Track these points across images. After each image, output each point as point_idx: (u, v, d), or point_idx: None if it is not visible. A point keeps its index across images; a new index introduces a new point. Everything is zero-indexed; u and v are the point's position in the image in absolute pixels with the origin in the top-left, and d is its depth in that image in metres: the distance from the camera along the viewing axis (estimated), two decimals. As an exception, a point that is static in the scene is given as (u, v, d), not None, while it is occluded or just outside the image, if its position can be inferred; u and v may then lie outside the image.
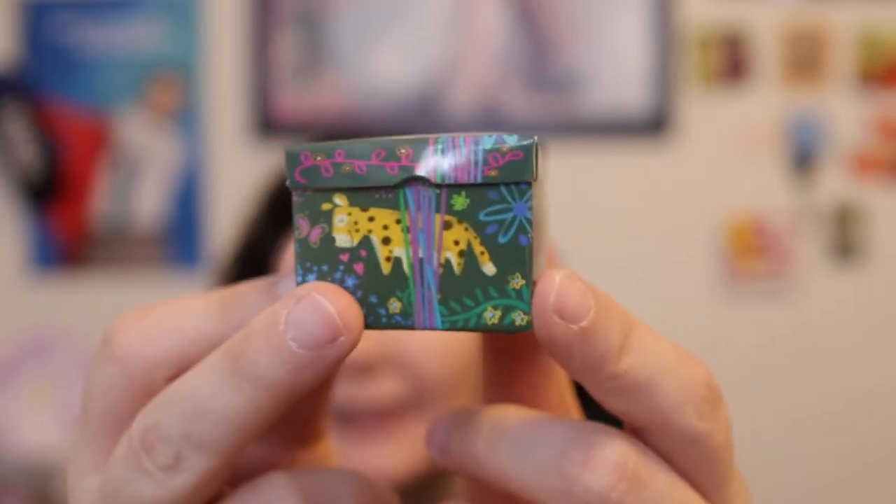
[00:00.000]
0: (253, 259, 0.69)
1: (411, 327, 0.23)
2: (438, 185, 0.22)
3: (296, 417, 0.27)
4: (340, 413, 0.58)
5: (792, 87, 1.65)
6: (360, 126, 1.61)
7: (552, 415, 0.24)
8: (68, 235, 1.66)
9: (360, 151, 0.22)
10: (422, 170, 0.22)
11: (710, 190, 1.65)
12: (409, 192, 0.22)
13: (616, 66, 1.63)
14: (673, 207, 1.65)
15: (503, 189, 0.22)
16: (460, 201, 0.22)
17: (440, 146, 0.22)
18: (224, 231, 1.58)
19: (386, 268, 0.22)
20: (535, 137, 0.22)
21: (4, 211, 1.67)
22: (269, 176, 0.74)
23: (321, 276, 0.23)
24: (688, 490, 0.23)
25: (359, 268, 0.22)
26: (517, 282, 0.22)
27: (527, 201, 0.22)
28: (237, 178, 1.61)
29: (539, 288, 0.21)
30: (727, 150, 1.65)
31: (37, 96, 1.65)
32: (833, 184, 1.65)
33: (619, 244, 1.65)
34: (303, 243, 0.23)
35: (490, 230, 0.22)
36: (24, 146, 1.62)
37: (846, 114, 1.65)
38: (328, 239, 0.23)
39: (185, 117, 1.65)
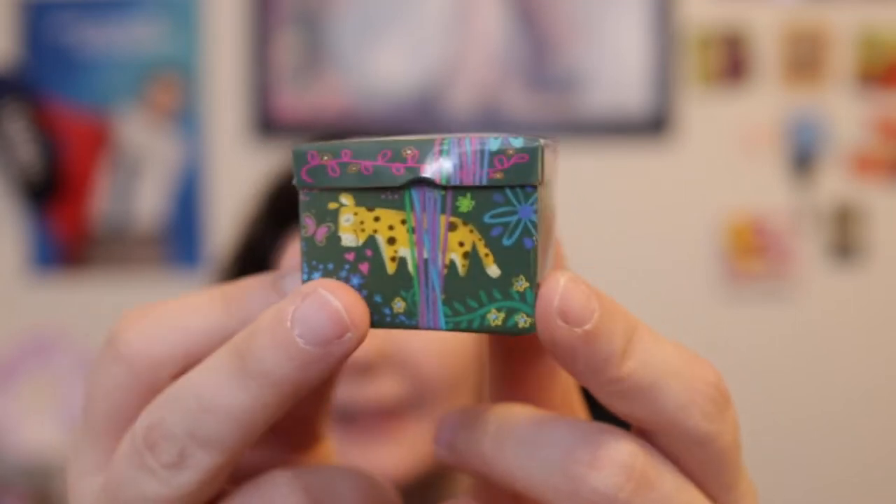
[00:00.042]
0: (253, 259, 0.69)
1: (415, 327, 0.23)
2: (444, 187, 0.22)
3: (297, 421, 0.27)
4: (341, 413, 0.58)
5: (792, 87, 1.65)
6: (360, 126, 1.61)
7: (559, 414, 0.24)
8: (68, 235, 1.66)
9: (366, 152, 0.22)
10: (427, 171, 0.22)
11: (710, 190, 1.65)
12: (415, 193, 0.22)
13: (616, 66, 1.63)
14: (673, 207, 1.65)
15: (508, 192, 0.22)
16: (466, 203, 0.22)
17: (446, 147, 0.22)
18: (224, 231, 1.58)
19: (391, 268, 0.22)
20: (542, 140, 0.22)
21: (4, 211, 1.67)
22: (269, 176, 0.74)
23: (326, 275, 0.23)
24: (696, 492, 0.23)
25: (364, 267, 0.23)
26: (521, 284, 0.22)
27: (532, 204, 0.22)
28: (237, 178, 1.61)
29: (543, 291, 0.21)
30: (727, 150, 1.65)
31: (37, 96, 1.65)
32: (833, 184, 1.65)
33: (619, 244, 1.65)
34: (309, 242, 0.23)
35: (495, 232, 0.22)
36: (24, 146, 1.62)
37: (846, 114, 1.65)
38: (334, 238, 0.23)
39: (185, 117, 1.65)
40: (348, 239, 0.22)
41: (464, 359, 0.61)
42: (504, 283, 0.22)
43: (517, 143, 0.21)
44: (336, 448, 0.61)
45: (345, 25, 1.64)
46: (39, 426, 1.57)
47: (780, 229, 1.65)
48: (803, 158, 1.65)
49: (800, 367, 1.65)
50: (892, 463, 1.65)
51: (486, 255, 0.22)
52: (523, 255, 0.22)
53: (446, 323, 0.22)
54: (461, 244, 0.22)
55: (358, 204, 0.22)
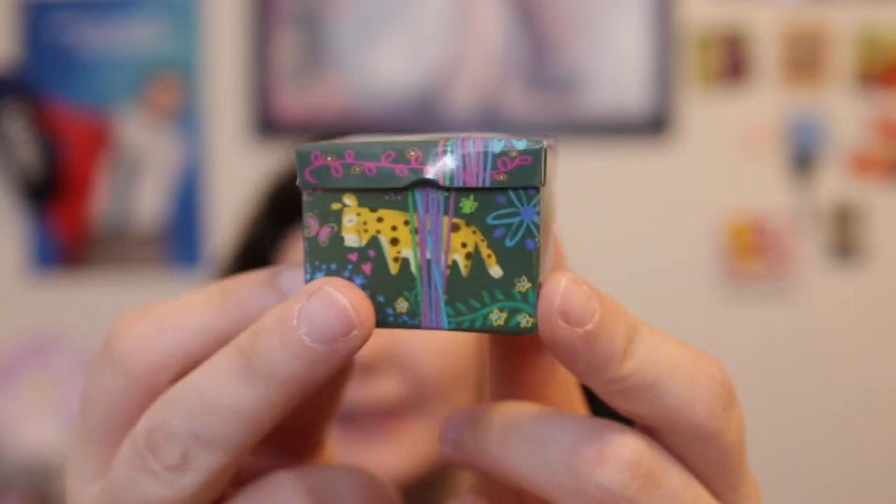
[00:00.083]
0: (253, 259, 0.69)
1: (418, 327, 0.23)
2: (447, 188, 0.22)
3: (302, 428, 0.27)
4: (341, 413, 0.58)
5: (792, 87, 1.65)
6: (360, 126, 1.61)
7: (565, 411, 0.24)
8: (68, 235, 1.66)
9: (369, 153, 0.22)
10: (431, 172, 0.22)
11: (710, 190, 1.65)
12: (418, 194, 0.22)
13: (616, 66, 1.63)
14: (673, 207, 1.65)
15: (511, 193, 0.22)
16: (468, 204, 0.22)
17: (449, 149, 0.22)
18: (224, 231, 1.58)
19: (394, 268, 0.22)
20: (545, 142, 0.22)
21: (4, 211, 1.67)
22: (269, 176, 0.74)
23: (329, 275, 0.23)
24: (701, 489, 0.23)
25: (367, 267, 0.23)
26: (523, 285, 0.22)
27: (534, 206, 0.22)
28: (237, 178, 1.61)
29: (544, 291, 0.21)
30: (727, 150, 1.65)
31: (37, 96, 1.65)
32: (833, 184, 1.65)
33: (619, 244, 1.65)
34: (312, 242, 0.23)
35: (497, 233, 0.22)
36: (24, 146, 1.62)
37: (846, 114, 1.65)
38: (337, 238, 0.23)
39: (185, 117, 1.65)
40: (351, 239, 0.23)
41: (464, 359, 0.61)
42: (506, 283, 0.22)
43: (520, 144, 0.21)
44: (336, 448, 0.61)
45: (345, 25, 1.64)
46: (39, 426, 1.57)
47: (780, 229, 1.65)
48: (803, 158, 1.65)
49: (800, 367, 1.66)
50: (892, 463, 1.65)
51: (489, 255, 0.22)
52: (525, 256, 0.22)
53: (449, 323, 0.22)
54: (464, 245, 0.22)
55: (361, 204, 0.22)
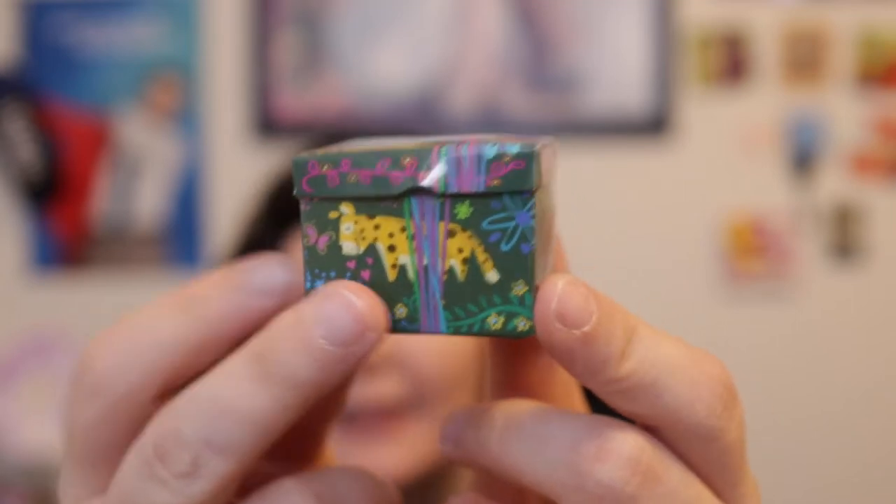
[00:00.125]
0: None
1: (417, 332, 0.23)
2: (442, 195, 0.22)
3: (305, 434, 0.27)
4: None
5: (792, 87, 1.65)
6: (360, 126, 1.61)
7: (565, 409, 0.24)
8: (68, 235, 1.66)
9: (365, 161, 0.22)
10: (426, 179, 0.22)
11: (709, 190, 1.65)
12: (414, 201, 0.22)
13: (616, 66, 1.63)
14: (673, 207, 1.65)
15: (506, 198, 0.22)
16: (464, 210, 0.22)
17: (444, 155, 0.22)
18: (224, 231, 1.58)
19: (392, 275, 0.23)
20: (538, 145, 0.22)
21: (4, 211, 1.67)
22: (269, 176, 0.74)
23: (329, 283, 0.23)
24: (702, 487, 0.23)
25: (365, 275, 0.23)
26: (520, 288, 0.22)
27: (529, 210, 0.22)
28: (237, 178, 1.61)
29: (541, 294, 0.21)
30: (727, 150, 1.65)
31: (37, 96, 1.65)
32: (833, 184, 1.65)
33: (619, 244, 1.65)
34: (311, 251, 0.23)
35: (493, 238, 0.22)
36: (24, 146, 1.62)
37: (846, 114, 1.65)
38: (335, 246, 0.23)
39: (185, 117, 1.65)
40: (349, 247, 0.23)
41: (463, 359, 0.61)
42: (503, 287, 0.22)
43: (513, 149, 0.22)
44: (336, 448, 0.61)
45: (345, 25, 1.64)
46: (39, 426, 1.57)
47: (780, 229, 1.65)
48: (803, 158, 1.65)
49: (800, 367, 1.66)
50: (892, 463, 1.65)
51: (485, 260, 0.22)
52: (521, 260, 0.22)
53: (447, 328, 0.23)
54: (460, 250, 0.22)
55: (358, 212, 0.23)
